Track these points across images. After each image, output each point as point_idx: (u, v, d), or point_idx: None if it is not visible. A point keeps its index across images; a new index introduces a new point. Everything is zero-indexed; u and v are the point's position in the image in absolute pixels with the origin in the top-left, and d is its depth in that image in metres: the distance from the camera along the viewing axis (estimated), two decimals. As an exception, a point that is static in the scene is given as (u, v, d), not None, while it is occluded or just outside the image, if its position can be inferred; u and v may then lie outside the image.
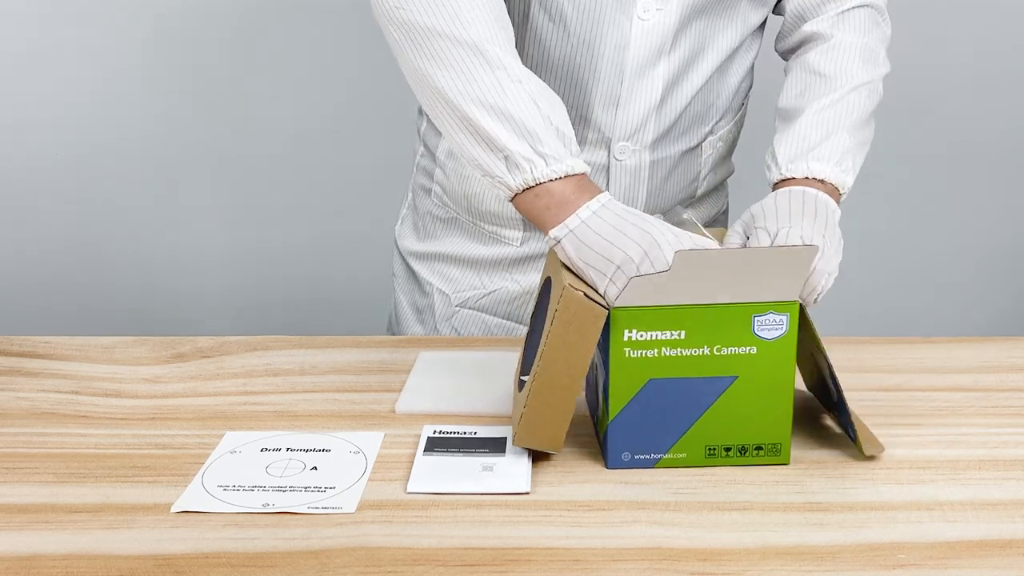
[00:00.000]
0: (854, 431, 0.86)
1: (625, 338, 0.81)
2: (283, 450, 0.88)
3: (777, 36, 1.15)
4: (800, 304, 0.83)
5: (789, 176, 0.99)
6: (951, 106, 2.08)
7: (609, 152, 1.09)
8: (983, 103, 2.08)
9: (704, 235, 0.87)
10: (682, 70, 1.07)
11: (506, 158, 0.88)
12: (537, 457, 0.86)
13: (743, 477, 0.84)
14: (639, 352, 0.82)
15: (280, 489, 0.81)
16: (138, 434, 0.92)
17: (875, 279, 2.06)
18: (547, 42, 1.05)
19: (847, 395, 0.87)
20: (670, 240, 0.82)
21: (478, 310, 1.21)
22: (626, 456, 0.84)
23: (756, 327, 0.82)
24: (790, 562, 0.72)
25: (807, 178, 0.99)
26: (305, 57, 2.01)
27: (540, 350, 0.81)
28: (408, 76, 0.95)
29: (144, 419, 0.95)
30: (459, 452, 0.86)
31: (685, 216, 0.94)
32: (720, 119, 1.15)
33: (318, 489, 0.81)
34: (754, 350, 0.82)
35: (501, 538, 0.74)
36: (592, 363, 0.91)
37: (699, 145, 1.14)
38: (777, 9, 1.14)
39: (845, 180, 1.00)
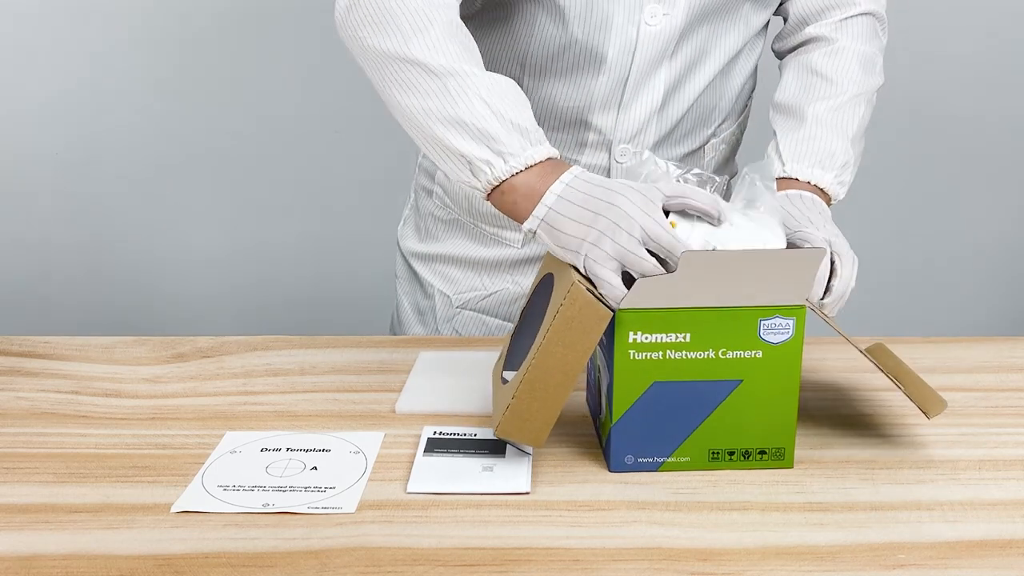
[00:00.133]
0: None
1: (630, 340, 0.81)
2: (283, 450, 0.88)
3: (776, 36, 1.16)
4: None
5: (792, 176, 1.00)
6: (953, 106, 2.08)
7: (610, 154, 1.09)
8: (984, 103, 2.08)
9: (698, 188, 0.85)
10: (685, 73, 1.07)
11: (469, 163, 0.88)
12: (537, 457, 0.86)
13: (743, 477, 0.84)
14: (644, 354, 0.82)
15: (280, 489, 0.81)
16: (138, 434, 0.92)
17: (875, 279, 2.06)
18: (551, 46, 1.05)
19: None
20: (638, 202, 0.81)
21: (479, 311, 1.21)
22: (629, 459, 0.84)
23: (762, 331, 0.82)
24: (790, 562, 0.72)
25: (808, 182, 1.00)
26: (306, 56, 2.01)
27: (538, 343, 0.80)
28: (382, 98, 0.96)
29: (144, 419, 0.95)
30: (459, 453, 0.86)
31: (692, 174, 0.90)
32: (723, 121, 1.15)
33: (318, 489, 0.81)
34: (760, 354, 0.82)
35: (501, 538, 0.74)
36: (595, 365, 0.91)
37: (701, 147, 1.15)
38: (778, 12, 1.14)
39: (839, 193, 1.02)
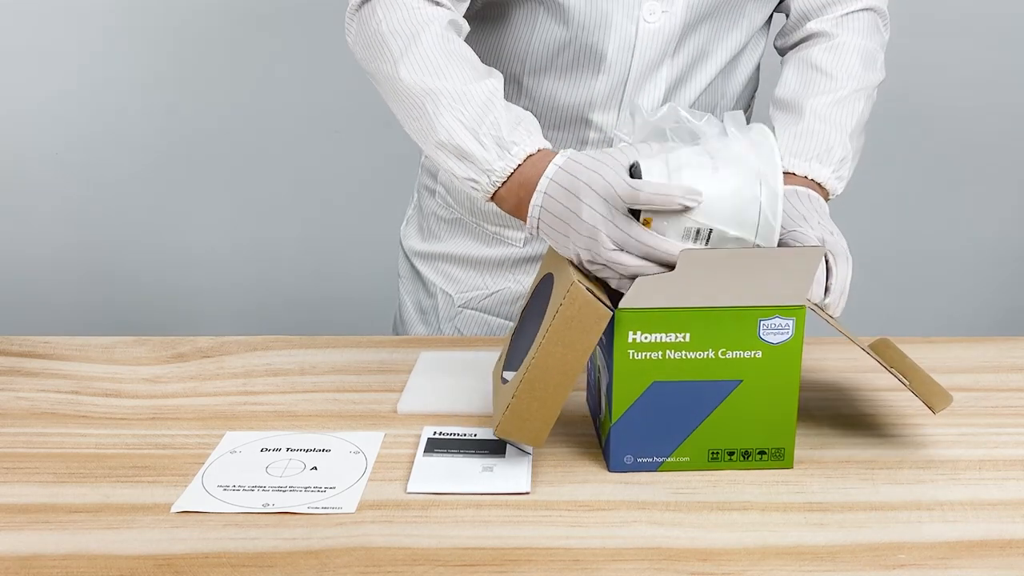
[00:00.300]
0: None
1: (630, 340, 0.81)
2: (283, 450, 0.88)
3: (779, 33, 1.15)
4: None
5: (790, 171, 1.00)
6: (954, 106, 2.08)
7: None
8: (985, 103, 2.08)
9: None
10: (687, 72, 1.07)
11: (465, 180, 0.91)
12: (537, 457, 0.86)
13: (743, 477, 0.84)
14: (643, 354, 0.82)
15: (280, 489, 0.81)
16: (138, 434, 0.92)
17: (875, 279, 2.07)
18: (552, 44, 1.05)
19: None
20: (601, 211, 0.80)
21: (481, 311, 1.21)
22: (629, 459, 0.84)
23: (762, 331, 0.82)
24: (790, 562, 0.72)
25: (806, 177, 1.00)
26: (306, 56, 2.01)
27: (537, 343, 0.80)
28: None
29: (144, 419, 0.95)
30: (459, 453, 0.86)
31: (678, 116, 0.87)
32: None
33: (318, 489, 0.81)
34: (759, 354, 0.82)
35: (501, 538, 0.74)
36: (594, 365, 0.91)
37: None
38: (780, 8, 1.14)
39: (837, 188, 1.01)
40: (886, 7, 1.12)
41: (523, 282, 1.18)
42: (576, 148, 1.10)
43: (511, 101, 1.01)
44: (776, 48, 1.17)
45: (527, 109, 1.09)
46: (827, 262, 0.89)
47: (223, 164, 2.09)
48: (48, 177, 2.08)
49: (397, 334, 1.34)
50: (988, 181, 2.14)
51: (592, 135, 1.09)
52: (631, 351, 0.81)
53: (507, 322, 1.20)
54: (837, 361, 1.07)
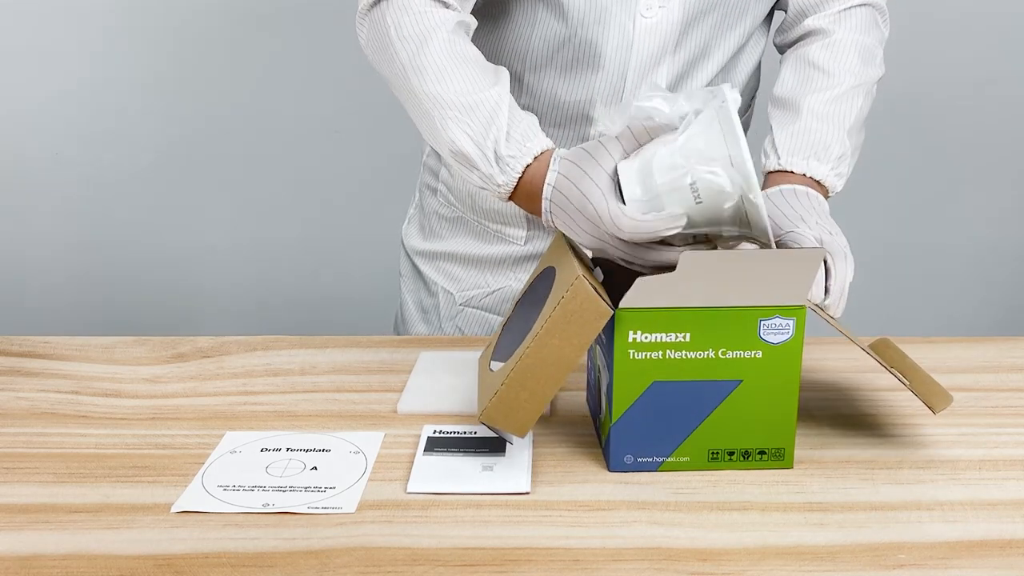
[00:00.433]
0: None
1: (630, 339, 0.81)
2: (283, 450, 0.88)
3: (777, 30, 1.15)
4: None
5: (788, 169, 1.00)
6: (954, 106, 2.08)
7: None
8: (985, 103, 2.08)
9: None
10: (687, 69, 1.07)
11: (480, 188, 0.94)
12: (537, 457, 0.86)
13: (743, 477, 0.84)
14: (643, 354, 0.81)
15: (280, 489, 0.81)
16: (138, 434, 0.92)
17: (874, 279, 2.07)
18: (551, 41, 1.05)
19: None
20: (591, 232, 0.84)
21: (482, 309, 1.21)
22: (628, 459, 0.84)
23: (762, 331, 0.82)
24: (790, 562, 0.71)
25: (804, 175, 0.99)
26: (307, 56, 2.01)
27: (534, 333, 0.80)
28: None
29: (144, 419, 0.95)
30: (459, 452, 0.86)
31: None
32: None
33: (318, 489, 0.81)
34: (759, 354, 0.82)
35: (501, 538, 0.74)
36: (595, 365, 0.91)
37: None
38: (779, 5, 1.14)
39: (837, 185, 1.01)
40: (884, 3, 1.12)
41: (523, 280, 1.18)
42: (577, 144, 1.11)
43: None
44: (775, 45, 1.17)
45: (528, 107, 1.09)
46: (825, 263, 0.89)
47: (223, 164, 2.09)
48: (48, 177, 2.08)
49: (398, 333, 1.34)
50: (988, 181, 2.14)
51: (593, 132, 1.09)
52: (631, 351, 0.81)
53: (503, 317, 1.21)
54: (837, 361, 1.07)
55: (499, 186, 0.92)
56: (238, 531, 0.75)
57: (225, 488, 0.81)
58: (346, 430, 0.92)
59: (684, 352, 0.82)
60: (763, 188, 1.01)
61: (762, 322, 0.81)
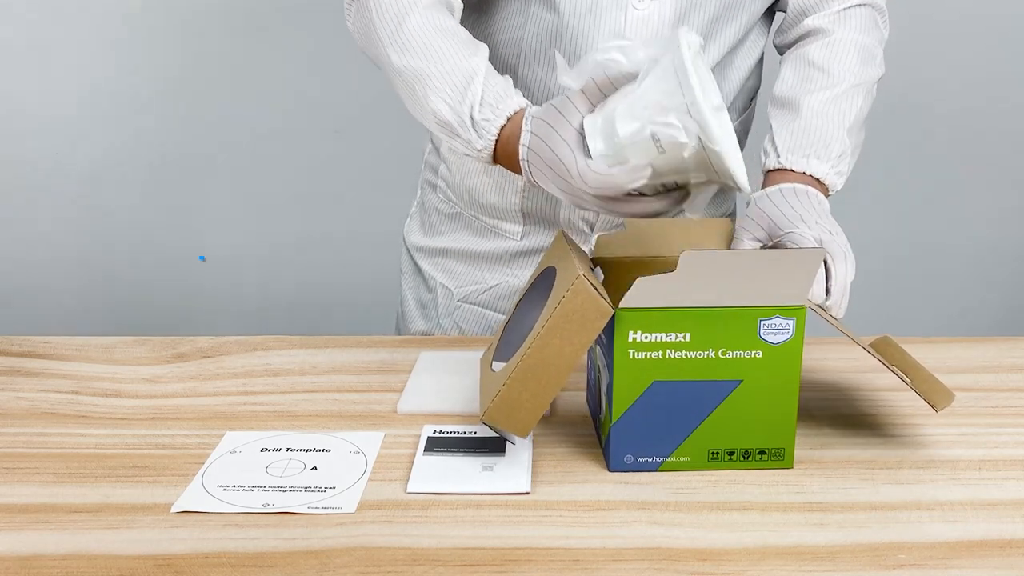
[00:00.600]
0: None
1: (630, 339, 0.81)
2: (283, 450, 0.88)
3: (777, 30, 1.15)
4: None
5: (787, 167, 1.00)
6: (954, 106, 2.08)
7: None
8: (985, 103, 2.08)
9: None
10: None
11: (466, 155, 0.96)
12: (537, 457, 0.86)
13: (743, 477, 0.84)
14: (643, 354, 0.81)
15: (280, 489, 0.81)
16: (138, 434, 0.92)
17: (874, 279, 2.07)
18: (544, 33, 1.06)
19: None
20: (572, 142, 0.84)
21: (479, 305, 1.22)
22: (628, 459, 0.84)
23: (762, 331, 0.81)
24: (790, 562, 0.71)
25: (804, 173, 1.00)
26: (307, 56, 2.01)
27: (535, 333, 0.80)
28: None
29: (144, 419, 0.95)
30: (459, 452, 0.86)
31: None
32: None
33: (318, 489, 0.81)
34: (759, 354, 0.82)
35: (501, 538, 0.74)
36: (594, 364, 0.91)
37: None
38: (779, 5, 1.14)
39: (837, 184, 1.01)
40: (884, 4, 1.12)
41: (520, 276, 1.19)
42: None
43: None
44: (775, 46, 1.17)
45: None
46: (825, 263, 0.89)
47: (224, 164, 2.09)
48: (48, 177, 2.08)
49: (399, 330, 1.35)
50: (988, 181, 2.14)
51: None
52: (631, 351, 0.81)
53: (505, 317, 1.21)
54: (837, 361, 1.07)
55: (479, 151, 0.93)
56: (238, 531, 0.75)
57: (225, 488, 0.81)
58: (346, 430, 0.92)
59: (684, 352, 0.82)
60: (763, 187, 1.01)
61: (762, 322, 0.81)
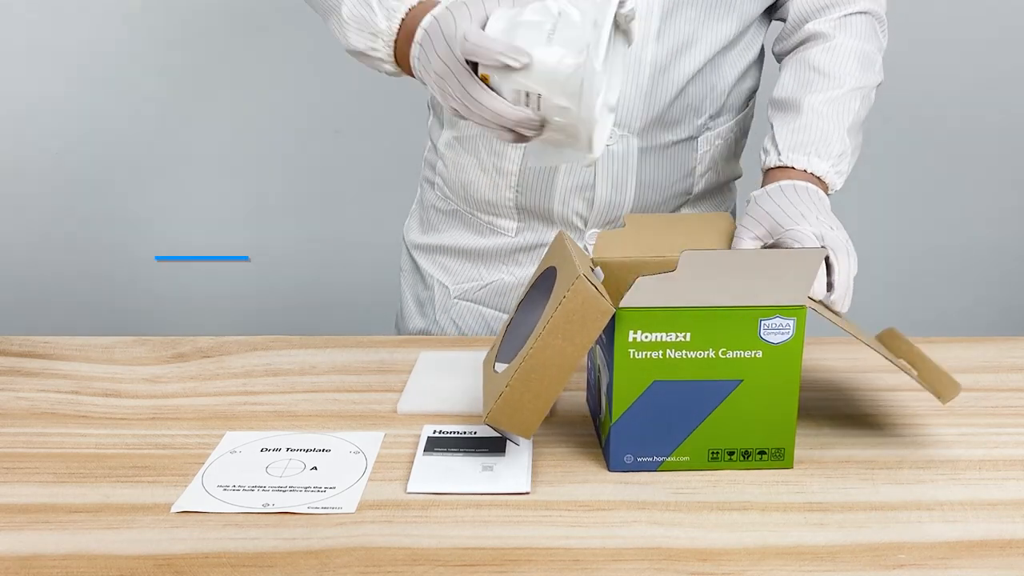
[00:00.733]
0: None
1: (630, 339, 0.81)
2: (283, 450, 0.88)
3: (777, 39, 1.16)
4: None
5: (788, 165, 1.01)
6: (955, 106, 2.08)
7: None
8: (985, 103, 2.08)
9: None
10: (672, 57, 1.07)
11: (372, 56, 0.96)
12: (537, 457, 0.87)
13: (743, 477, 0.84)
14: (644, 353, 0.81)
15: (280, 489, 0.81)
16: (138, 434, 0.92)
17: (874, 279, 2.07)
18: None
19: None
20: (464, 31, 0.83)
21: (475, 302, 1.22)
22: (628, 459, 0.84)
23: (762, 331, 0.81)
24: (790, 562, 0.71)
25: (805, 171, 1.00)
26: (307, 56, 2.01)
27: (536, 334, 0.80)
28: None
29: (144, 419, 0.95)
30: (459, 452, 0.86)
31: None
32: (717, 115, 1.15)
33: (318, 489, 0.81)
34: (760, 354, 0.82)
35: (501, 538, 0.74)
36: (595, 364, 0.91)
37: (693, 138, 1.14)
38: (779, 14, 1.15)
39: (836, 183, 1.02)
40: (884, 13, 1.13)
41: (515, 273, 1.19)
42: None
43: None
44: (775, 54, 1.17)
45: None
46: (827, 259, 0.89)
47: (224, 164, 2.09)
48: (47, 176, 2.08)
49: (398, 328, 1.35)
50: (988, 181, 2.14)
51: None
52: (631, 350, 0.81)
53: (501, 314, 1.22)
54: (837, 361, 1.07)
55: (382, 33, 0.92)
56: (238, 531, 0.75)
57: (225, 488, 0.81)
58: (346, 430, 0.92)
59: (684, 352, 0.82)
60: (763, 185, 1.02)
61: (762, 322, 0.81)
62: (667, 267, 0.80)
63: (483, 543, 0.74)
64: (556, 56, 0.79)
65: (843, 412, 0.96)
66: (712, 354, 0.82)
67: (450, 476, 0.83)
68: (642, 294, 0.80)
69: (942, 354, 1.09)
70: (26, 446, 0.90)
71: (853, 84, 1.06)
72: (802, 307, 0.81)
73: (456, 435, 0.89)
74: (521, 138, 0.84)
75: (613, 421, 0.83)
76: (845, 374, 1.04)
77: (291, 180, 2.11)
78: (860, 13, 1.10)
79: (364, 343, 1.13)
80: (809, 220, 0.93)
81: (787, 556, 0.72)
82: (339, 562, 0.71)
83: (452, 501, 0.79)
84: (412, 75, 0.92)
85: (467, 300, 1.23)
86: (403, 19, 0.91)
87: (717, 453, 0.84)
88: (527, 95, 0.81)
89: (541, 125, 0.82)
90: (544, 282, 0.88)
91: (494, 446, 0.87)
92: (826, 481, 0.83)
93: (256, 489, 0.81)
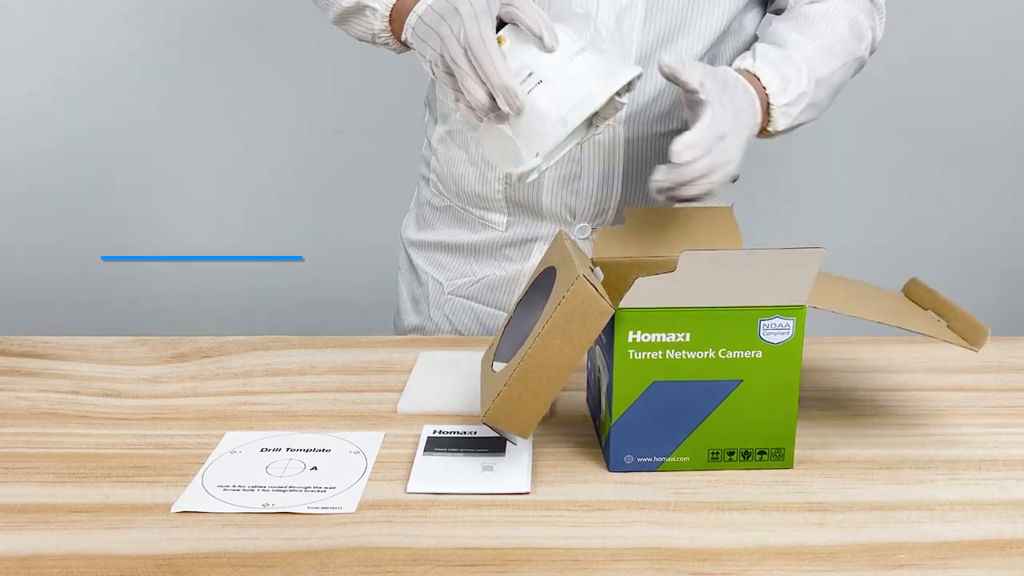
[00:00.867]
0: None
1: (630, 339, 0.81)
2: (283, 450, 0.88)
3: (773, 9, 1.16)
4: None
5: (754, 72, 1.01)
6: (955, 106, 2.08)
7: None
8: (985, 103, 2.08)
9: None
10: (658, 45, 1.07)
11: (366, 30, 1.04)
12: (537, 457, 0.87)
13: (743, 477, 0.84)
14: (643, 354, 0.81)
15: (280, 489, 0.81)
16: (138, 434, 0.92)
17: (874, 280, 2.07)
18: None
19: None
20: (477, 6, 0.84)
21: (468, 298, 1.23)
22: (628, 459, 0.84)
23: (762, 331, 0.81)
24: (790, 562, 0.72)
25: (764, 89, 1.00)
26: (307, 56, 2.01)
27: (536, 333, 0.80)
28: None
29: (144, 419, 0.95)
30: (459, 452, 0.86)
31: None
32: None
33: (318, 489, 0.81)
34: (759, 354, 0.82)
35: (501, 538, 0.74)
36: (594, 364, 0.91)
37: (681, 130, 1.14)
38: (774, 6, 1.15)
39: (778, 122, 1.01)
40: (883, 4, 1.13)
41: (507, 268, 1.20)
42: None
43: None
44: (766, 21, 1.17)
45: None
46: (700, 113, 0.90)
47: (224, 164, 2.09)
48: (47, 177, 2.08)
49: (395, 326, 1.36)
50: (988, 181, 2.14)
51: None
52: (631, 351, 0.81)
53: (493, 310, 1.22)
54: (837, 361, 1.07)
55: (381, 3, 0.97)
56: (238, 531, 0.75)
57: (225, 488, 0.81)
58: (346, 430, 0.92)
59: (684, 352, 0.82)
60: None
61: (762, 322, 0.81)
62: (667, 267, 0.80)
63: (483, 543, 0.74)
64: (570, 72, 0.82)
65: (843, 412, 0.96)
66: (712, 354, 0.82)
67: (450, 476, 0.83)
68: (642, 294, 0.80)
69: (942, 354, 1.09)
70: (26, 446, 0.90)
71: (838, 42, 1.06)
72: (802, 307, 0.81)
73: (456, 435, 0.89)
74: (488, 113, 0.85)
75: (613, 421, 0.83)
76: (845, 374, 1.04)
77: (291, 180, 2.11)
78: None
79: (364, 343, 1.13)
80: (724, 105, 0.92)
81: (787, 556, 0.72)
82: (339, 562, 0.71)
83: (452, 501, 0.79)
84: (399, 35, 0.95)
85: (460, 296, 1.24)
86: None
87: (717, 453, 0.84)
88: (529, 75, 0.83)
89: (518, 111, 0.83)
90: (543, 282, 0.88)
91: (494, 446, 0.87)
92: (826, 481, 0.83)
93: (256, 489, 0.81)
